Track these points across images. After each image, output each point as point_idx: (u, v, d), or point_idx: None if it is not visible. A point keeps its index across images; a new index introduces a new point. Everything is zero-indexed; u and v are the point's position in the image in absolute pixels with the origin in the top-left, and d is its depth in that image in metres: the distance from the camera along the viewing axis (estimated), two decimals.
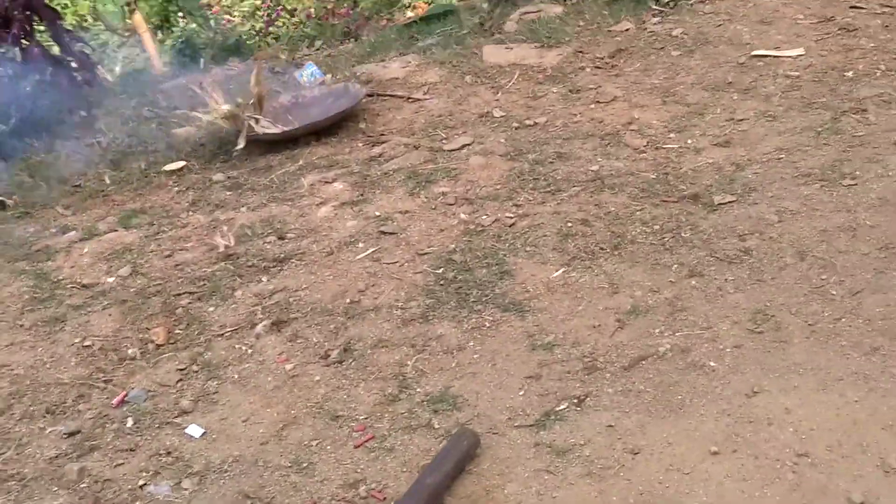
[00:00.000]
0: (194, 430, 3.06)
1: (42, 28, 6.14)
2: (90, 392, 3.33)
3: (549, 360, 3.13)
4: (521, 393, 3.00)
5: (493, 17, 6.65)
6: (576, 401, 2.92)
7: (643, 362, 3.06)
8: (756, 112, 4.70)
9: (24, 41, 5.59)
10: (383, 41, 6.60)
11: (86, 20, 10.09)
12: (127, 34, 10.91)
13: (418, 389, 3.10)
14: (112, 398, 3.27)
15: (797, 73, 5.03)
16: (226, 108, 4.95)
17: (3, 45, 5.58)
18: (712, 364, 2.99)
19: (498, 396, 3.01)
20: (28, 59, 5.61)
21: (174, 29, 7.60)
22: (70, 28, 6.40)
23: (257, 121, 5.01)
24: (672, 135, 4.62)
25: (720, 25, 5.80)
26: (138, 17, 10.03)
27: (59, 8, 6.54)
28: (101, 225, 4.50)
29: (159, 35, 10.11)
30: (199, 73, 7.03)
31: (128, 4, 9.98)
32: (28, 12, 5.65)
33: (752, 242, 3.61)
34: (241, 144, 4.96)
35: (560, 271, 3.61)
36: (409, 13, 7.61)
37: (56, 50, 6.03)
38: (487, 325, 3.37)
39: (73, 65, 5.97)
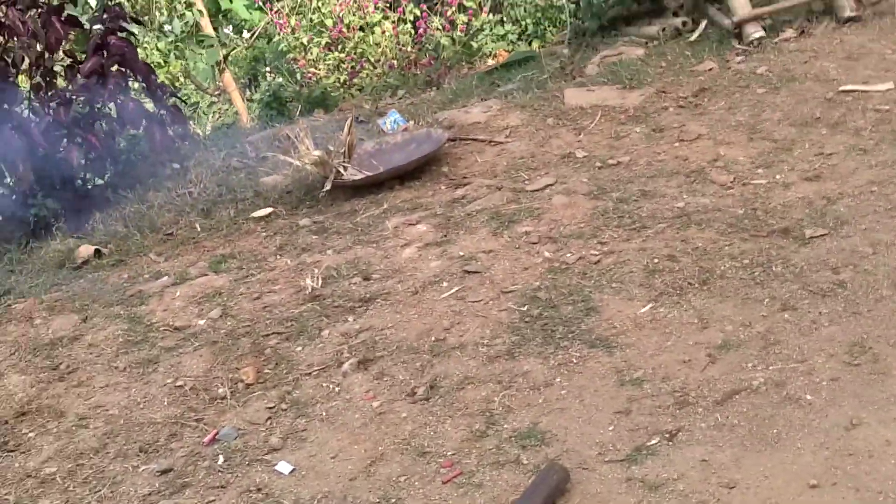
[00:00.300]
0: (284, 467, 3.08)
1: (136, 85, 6.37)
2: (182, 431, 3.38)
3: (639, 395, 3.08)
4: (610, 428, 2.96)
5: (573, 61, 6.68)
6: (667, 435, 2.86)
7: (736, 396, 2.99)
8: (846, 146, 4.61)
9: (119, 97, 5.77)
10: (465, 88, 6.67)
11: (178, 80, 10.43)
12: (217, 93, 11.26)
13: (505, 425, 3.07)
14: (203, 437, 3.31)
15: (887, 107, 4.92)
16: (317, 153, 5.04)
17: (99, 99, 5.78)
18: (808, 397, 2.90)
19: (587, 431, 2.96)
20: (123, 113, 5.80)
21: (262, 83, 7.79)
22: (164, 83, 6.58)
23: (345, 167, 5.09)
24: (759, 170, 4.55)
25: (806, 63, 5.73)
26: (228, 77, 10.34)
27: (153, 66, 6.73)
28: (193, 270, 4.61)
29: (247, 92, 10.41)
30: (286, 124, 7.19)
31: (217, 64, 10.31)
32: (124, 69, 5.85)
33: (846, 275, 3.52)
34: (327, 187, 5.04)
35: (647, 307, 3.56)
36: (490, 61, 7.68)
37: (150, 105, 6.22)
38: (574, 361, 3.33)
39: (166, 119, 6.14)
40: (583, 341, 3.42)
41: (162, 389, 3.64)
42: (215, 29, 10.88)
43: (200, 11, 10.33)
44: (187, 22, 10.64)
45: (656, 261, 3.85)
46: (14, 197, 6.09)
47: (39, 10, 5.85)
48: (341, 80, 7.70)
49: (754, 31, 6.14)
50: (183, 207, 5.59)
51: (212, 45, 10.46)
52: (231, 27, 11.64)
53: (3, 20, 5.60)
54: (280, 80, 7.79)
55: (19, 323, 4.43)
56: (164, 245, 5.12)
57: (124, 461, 3.28)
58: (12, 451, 3.46)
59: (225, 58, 10.36)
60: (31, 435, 3.54)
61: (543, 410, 3.11)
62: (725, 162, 4.69)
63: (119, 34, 5.96)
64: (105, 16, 5.97)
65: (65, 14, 5.97)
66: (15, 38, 5.66)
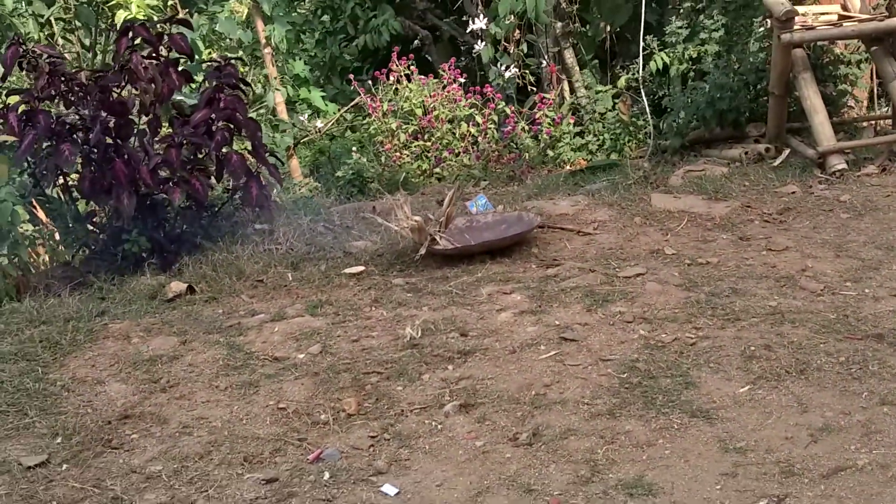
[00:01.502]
0: (389, 489, 3.15)
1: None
2: (285, 447, 3.47)
3: (744, 462, 3.15)
4: (717, 487, 3.02)
5: (655, 172, 6.89)
6: (775, 499, 2.92)
7: (841, 473, 3.05)
8: None
9: (224, 148, 6.01)
10: (549, 184, 6.88)
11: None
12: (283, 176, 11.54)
13: (611, 475, 3.13)
14: (307, 455, 3.40)
15: None
16: (417, 218, 5.22)
17: (205, 149, 6.02)
18: None
19: (694, 488, 3.02)
20: (227, 165, 6.02)
21: (348, 161, 8.05)
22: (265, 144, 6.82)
23: (440, 236, 5.26)
24: (848, 283, 4.67)
25: (888, 196, 5.90)
26: (295, 163, 10.60)
27: None
28: (289, 310, 4.74)
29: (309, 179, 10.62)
30: (367, 201, 7.42)
31: (287, 149, 10.62)
32: (231, 124, 6.11)
33: None
34: (422, 252, 5.20)
35: (746, 388, 3.64)
36: (568, 167, 7.91)
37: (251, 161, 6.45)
38: (675, 426, 3.41)
39: (263, 178, 6.36)
40: (683, 411, 3.50)
41: (264, 409, 3.74)
42: (291, 113, 11.28)
43: (279, 90, 10.78)
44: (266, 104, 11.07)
45: (753, 348, 3.94)
46: (107, 231, 6.29)
47: (158, 61, 6.18)
48: (423, 168, 7.94)
49: (837, 163, 6.34)
50: (270, 261, 5.74)
51: (284, 130, 10.84)
52: (307, 115, 12.02)
53: (129, 65, 5.89)
54: (364, 159, 8.04)
55: (117, 340, 4.57)
56: (255, 290, 5.27)
57: (228, 468, 3.36)
58: (116, 448, 3.55)
59: (296, 144, 10.69)
60: (134, 436, 3.63)
61: (648, 466, 3.17)
62: (814, 273, 4.81)
63: (230, 90, 6.24)
64: (219, 72, 6.25)
65: (181, 67, 6.29)
66: (136, 82, 5.93)
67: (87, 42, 15.19)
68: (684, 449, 3.26)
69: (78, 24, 15.31)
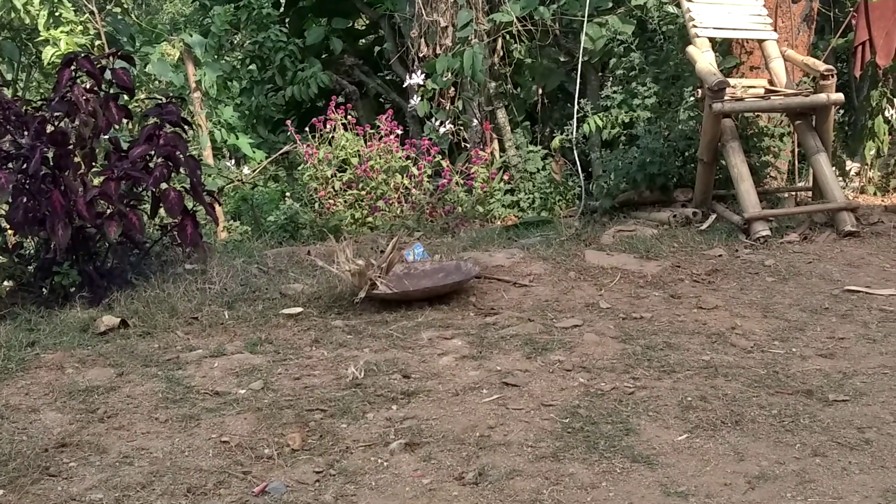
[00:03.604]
0: None
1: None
2: (230, 480, 3.43)
3: None
4: None
5: (587, 231, 7.05)
6: None
7: None
8: (855, 334, 4.93)
9: (162, 184, 5.98)
10: (483, 237, 6.98)
11: None
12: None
13: None
14: (252, 488, 3.37)
15: (892, 308, 5.29)
16: (360, 263, 5.25)
17: (143, 184, 5.98)
18: None
19: None
20: (164, 202, 5.99)
21: (280, 206, 8.05)
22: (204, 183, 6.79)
23: (381, 281, 5.30)
24: (776, 342, 4.83)
25: (810, 263, 6.14)
26: (219, 210, 10.52)
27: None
28: (228, 347, 4.71)
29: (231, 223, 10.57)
30: (299, 245, 7.42)
31: (210, 194, 10.54)
32: (170, 162, 6.08)
33: (871, 434, 3.74)
34: (361, 295, 5.22)
35: (684, 436, 3.74)
36: (498, 222, 8.04)
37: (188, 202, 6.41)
38: (618, 470, 3.48)
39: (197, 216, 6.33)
40: (625, 455, 3.58)
41: (207, 442, 3.70)
42: (216, 159, 11.24)
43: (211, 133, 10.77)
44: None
45: (689, 399, 4.05)
46: (35, 262, 6.16)
47: (98, 94, 6.14)
48: (357, 216, 7.99)
49: (762, 230, 6.58)
50: (204, 299, 5.70)
51: (210, 175, 10.79)
52: (233, 160, 11.97)
53: (70, 96, 5.85)
54: (297, 205, 8.05)
55: (50, 370, 4.48)
56: (190, 326, 5.22)
57: (171, 498, 3.31)
58: (54, 475, 3.47)
59: (220, 189, 10.63)
60: (72, 464, 3.55)
61: None
62: (743, 331, 4.97)
63: (170, 128, 6.23)
64: (160, 109, 6.24)
65: (121, 102, 6.26)
66: (76, 114, 5.88)
67: (8, 77, 14.95)
68: (627, 492, 3.32)
69: (0, 58, 15.09)
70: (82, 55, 6.05)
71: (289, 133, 9.48)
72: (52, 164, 5.79)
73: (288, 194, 8.49)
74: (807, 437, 3.73)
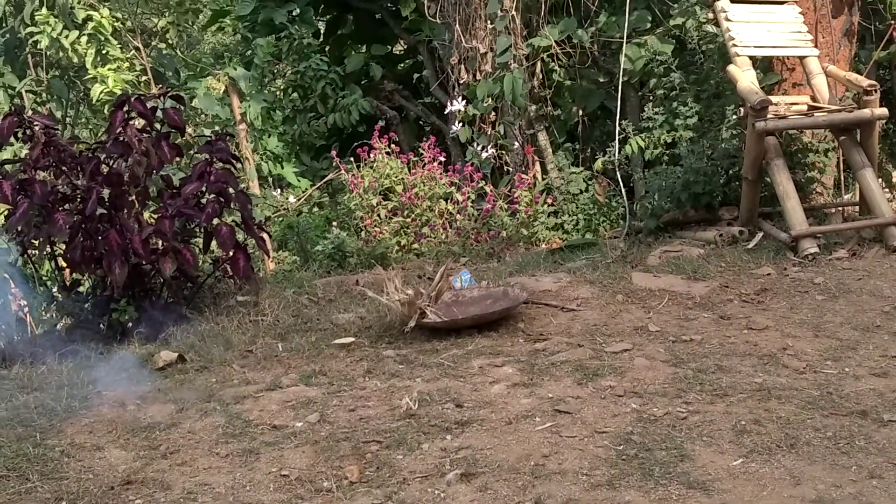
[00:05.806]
0: None
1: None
2: None
3: None
4: None
5: (632, 252, 7.07)
6: None
7: None
8: None
9: (214, 220, 6.11)
10: (529, 262, 7.03)
11: None
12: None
13: None
14: None
15: None
16: (409, 292, 5.32)
17: (196, 220, 6.11)
18: None
19: None
20: (216, 237, 6.12)
21: (328, 236, 8.15)
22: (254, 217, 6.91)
23: (430, 310, 5.36)
24: (828, 362, 4.82)
25: (860, 279, 6.11)
26: (266, 238, 10.68)
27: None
28: (284, 380, 4.80)
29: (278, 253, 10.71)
30: (347, 274, 7.51)
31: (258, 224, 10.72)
32: (222, 198, 6.21)
33: None
34: (411, 324, 5.29)
35: (739, 461, 3.75)
36: (544, 245, 8.08)
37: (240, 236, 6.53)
38: (674, 497, 3.50)
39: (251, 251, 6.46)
40: (680, 482, 3.60)
41: (267, 476, 3.78)
42: (262, 188, 11.42)
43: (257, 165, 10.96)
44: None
45: (743, 423, 4.06)
46: (92, 300, 6.32)
47: (151, 134, 6.30)
48: (402, 243, 8.08)
49: (810, 247, 6.56)
50: (258, 332, 5.82)
51: (257, 205, 10.95)
52: (278, 189, 12.13)
53: (123, 137, 6.01)
54: (345, 234, 8.15)
55: (112, 407, 4.59)
56: (245, 359, 5.32)
57: None
58: None
59: (267, 219, 10.79)
60: (138, 502, 3.64)
61: None
62: (795, 351, 4.97)
63: (221, 164, 6.36)
64: (211, 146, 6.38)
65: (172, 140, 6.41)
66: (129, 154, 6.03)
67: (58, 114, 15.28)
68: None
69: (49, 96, 15.44)
70: (134, 97, 6.21)
71: (332, 161, 9.63)
72: (107, 203, 5.94)
73: (334, 222, 8.60)
74: (863, 458, 3.73)
